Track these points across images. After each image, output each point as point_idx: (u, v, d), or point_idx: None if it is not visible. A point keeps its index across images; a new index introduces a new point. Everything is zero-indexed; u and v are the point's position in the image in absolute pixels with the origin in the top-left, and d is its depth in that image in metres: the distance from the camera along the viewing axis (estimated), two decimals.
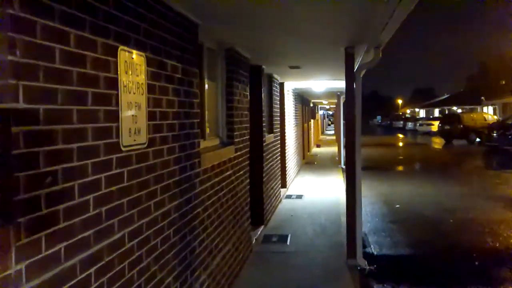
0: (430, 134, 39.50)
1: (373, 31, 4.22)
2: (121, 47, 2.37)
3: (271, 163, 8.19)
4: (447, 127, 29.50)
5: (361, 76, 5.46)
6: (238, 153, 5.36)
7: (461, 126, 28.22)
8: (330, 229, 7.28)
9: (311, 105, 23.50)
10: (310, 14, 3.88)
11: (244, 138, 5.72)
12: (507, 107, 39.25)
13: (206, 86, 4.47)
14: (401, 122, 59.35)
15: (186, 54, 3.40)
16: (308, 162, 17.11)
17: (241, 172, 5.51)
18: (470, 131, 27.89)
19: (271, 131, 8.45)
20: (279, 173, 9.33)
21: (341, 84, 11.65)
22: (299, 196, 9.95)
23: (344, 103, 16.37)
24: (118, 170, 2.33)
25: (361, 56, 5.56)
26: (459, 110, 50.84)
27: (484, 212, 8.71)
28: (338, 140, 16.49)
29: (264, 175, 7.26)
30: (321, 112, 38.38)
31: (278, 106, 9.42)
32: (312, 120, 23.99)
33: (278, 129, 9.28)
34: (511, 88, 41.33)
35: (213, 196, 4.18)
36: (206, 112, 4.41)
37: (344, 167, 15.50)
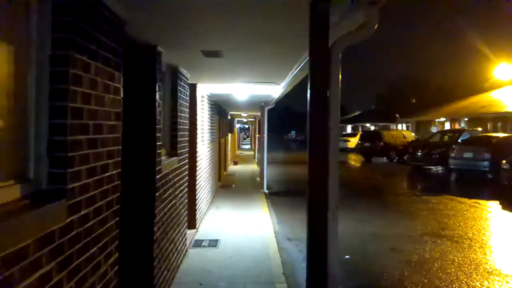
0: (346, 150, 38.79)
1: None
2: None
3: (172, 203, 5.30)
4: (367, 144, 28.48)
5: (339, 56, 2.79)
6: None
7: (382, 143, 27.29)
8: None
9: (229, 117, 20.89)
10: None
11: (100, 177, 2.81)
12: (420, 124, 39.85)
13: None
14: None
15: None
16: (225, 185, 14.34)
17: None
18: (391, 148, 27.04)
19: (174, 153, 5.56)
20: (185, 212, 6.43)
21: (269, 91, 9.08)
22: (214, 242, 7.10)
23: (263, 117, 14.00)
24: None
25: (340, 20, 2.94)
26: (372, 127, 51.55)
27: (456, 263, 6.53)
28: (261, 157, 13.93)
29: (156, 229, 4.34)
30: (237, 125, 36.03)
31: (188, 116, 6.57)
32: (229, 134, 21.36)
33: (186, 150, 6.40)
34: (423, 106, 42.26)
35: None
36: None
37: (267, 191, 13.01)
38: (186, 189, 6.50)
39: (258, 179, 15.45)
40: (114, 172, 3.03)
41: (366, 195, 13.35)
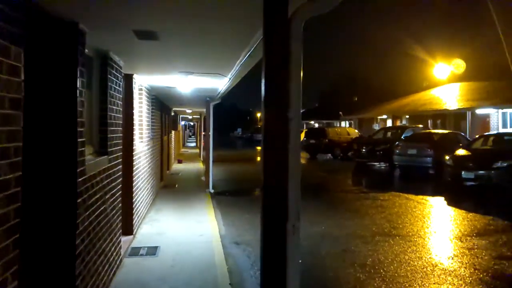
0: None
1: None
2: None
3: (101, 208, 4.56)
4: (312, 141, 28.47)
5: (301, 30, 2.25)
6: None
7: (327, 140, 27.38)
8: None
9: (173, 113, 20.00)
10: None
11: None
12: (363, 122, 40.67)
13: None
14: None
15: None
16: (167, 186, 13.54)
17: None
18: (335, 145, 27.20)
19: (103, 151, 4.82)
20: (118, 218, 5.69)
21: (215, 84, 8.47)
22: (153, 250, 6.40)
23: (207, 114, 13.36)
24: None
25: None
26: (316, 125, 52.17)
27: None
28: (207, 155, 13.27)
29: (79, 241, 3.61)
30: (182, 122, 35.00)
31: (121, 110, 5.83)
32: (173, 132, 20.46)
33: (120, 148, 5.66)
34: (365, 104, 43.14)
35: None
36: None
37: (213, 191, 12.37)
38: (120, 192, 5.76)
39: (203, 178, 14.77)
40: (11, 176, 2.32)
41: (313, 193, 13.05)
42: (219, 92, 10.11)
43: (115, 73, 5.29)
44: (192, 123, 52.66)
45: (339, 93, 62.72)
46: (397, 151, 17.92)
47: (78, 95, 3.48)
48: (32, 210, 3.33)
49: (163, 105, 14.09)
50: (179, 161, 22.07)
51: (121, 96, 5.76)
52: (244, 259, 6.33)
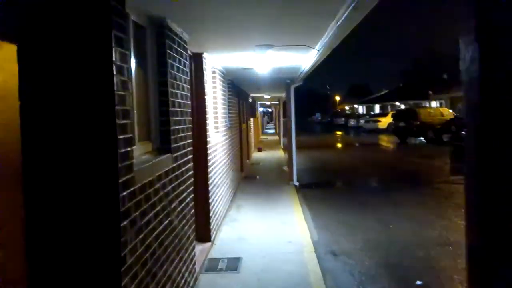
0: (377, 131, 36.48)
1: None
2: None
3: (164, 225, 3.51)
4: (401, 124, 26.16)
5: None
6: None
7: (418, 122, 24.95)
8: None
9: (250, 100, 19.03)
10: None
11: None
12: (455, 101, 37.08)
13: None
14: (343, 119, 56.74)
15: None
16: (248, 177, 12.55)
17: None
18: (428, 128, 24.66)
19: (165, 148, 3.76)
20: (190, 229, 4.63)
21: (298, 60, 7.16)
22: (234, 263, 5.31)
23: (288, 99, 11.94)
24: None
25: None
26: (402, 106, 48.82)
27: None
28: (288, 143, 12.04)
29: (127, 280, 2.54)
30: (260, 109, 34.16)
31: (189, 95, 4.76)
32: (251, 119, 19.52)
33: (188, 141, 4.59)
34: (457, 82, 39.27)
35: None
36: None
37: (297, 184, 11.14)
38: (192, 195, 4.71)
39: (285, 167, 13.61)
40: None
41: (411, 184, 11.34)
42: (302, 72, 8.79)
43: (177, 48, 4.20)
44: (270, 109, 51.79)
45: (425, 71, 58.51)
46: None
47: (115, 72, 2.39)
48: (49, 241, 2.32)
49: (240, 91, 13.07)
50: (259, 149, 21.15)
51: (188, 78, 4.68)
52: (346, 277, 5.03)
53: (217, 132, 7.31)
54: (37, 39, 2.34)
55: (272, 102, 28.60)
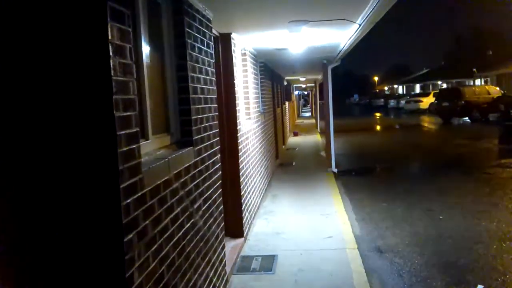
0: (419, 112, 35.04)
1: None
2: None
3: (185, 229, 3.08)
4: (445, 103, 24.85)
5: None
6: None
7: (463, 102, 23.62)
8: None
9: (285, 83, 18.42)
10: None
11: None
12: (502, 78, 35.00)
13: None
14: (382, 100, 55.14)
15: None
16: (284, 163, 12.06)
17: None
18: (473, 107, 23.32)
19: (186, 140, 3.32)
20: (218, 228, 4.20)
21: (335, 38, 6.54)
22: (268, 261, 4.87)
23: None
24: None
25: None
26: (444, 85, 46.76)
27: None
28: (326, 127, 11.41)
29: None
30: (296, 92, 33.39)
31: (214, 80, 4.29)
32: (287, 103, 18.92)
33: (214, 131, 4.13)
34: (503, 58, 36.96)
35: None
36: None
37: (336, 170, 10.56)
38: (220, 190, 4.27)
39: (323, 153, 13.02)
40: None
41: (459, 168, 10.51)
42: (340, 51, 8.15)
43: (199, 27, 3.71)
44: (306, 92, 50.83)
45: (467, 48, 55.85)
46: None
47: (111, 52, 1.93)
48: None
49: (273, 73, 12.51)
50: (295, 134, 20.57)
51: (213, 61, 4.20)
52: (395, 278, 4.48)
53: (249, 118, 6.83)
54: (13, 8, 1.91)
55: (308, 84, 27.83)
